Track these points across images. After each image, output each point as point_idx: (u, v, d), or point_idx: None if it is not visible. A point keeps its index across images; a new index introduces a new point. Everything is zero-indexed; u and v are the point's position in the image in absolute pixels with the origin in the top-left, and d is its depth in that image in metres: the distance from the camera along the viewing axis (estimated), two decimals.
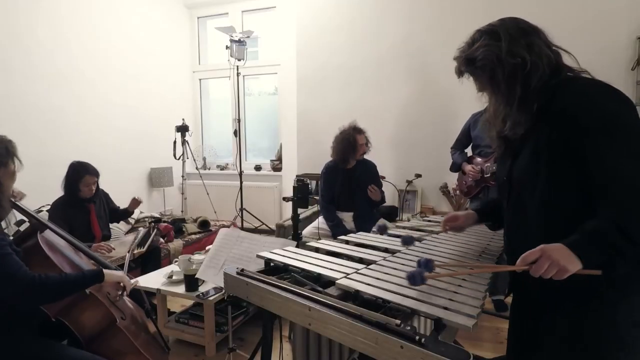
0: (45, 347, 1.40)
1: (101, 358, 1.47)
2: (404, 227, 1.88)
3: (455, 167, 2.93)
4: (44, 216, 2.85)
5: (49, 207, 2.74)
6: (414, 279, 0.99)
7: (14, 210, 1.59)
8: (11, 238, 1.52)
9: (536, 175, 1.00)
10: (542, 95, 0.98)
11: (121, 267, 1.99)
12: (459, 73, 1.11)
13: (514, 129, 1.04)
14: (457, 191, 3.08)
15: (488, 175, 2.65)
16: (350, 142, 2.93)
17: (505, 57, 0.98)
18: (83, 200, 2.74)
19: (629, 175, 0.86)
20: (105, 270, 1.50)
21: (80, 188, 2.68)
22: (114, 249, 2.67)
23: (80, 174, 2.68)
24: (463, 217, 1.37)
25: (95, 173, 2.74)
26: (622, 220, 0.84)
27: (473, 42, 1.06)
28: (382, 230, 1.68)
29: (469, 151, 2.94)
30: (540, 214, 1.00)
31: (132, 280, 1.81)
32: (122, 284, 1.58)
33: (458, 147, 2.94)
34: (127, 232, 3.57)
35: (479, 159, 2.75)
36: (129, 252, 2.41)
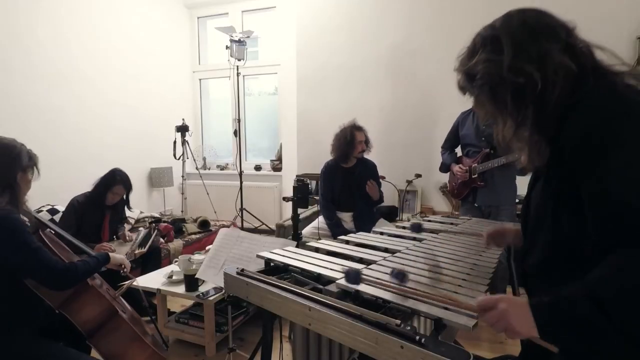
0: (44, 347, 1.41)
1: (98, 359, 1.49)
2: (403, 227, 1.88)
3: (444, 168, 2.91)
4: (43, 216, 2.86)
5: (70, 200, 2.76)
6: (349, 277, 1.04)
7: None
8: None
9: (546, 210, 0.83)
10: (554, 122, 0.78)
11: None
12: (461, 89, 0.93)
13: (531, 162, 0.86)
14: (449, 193, 3.06)
15: (475, 176, 2.63)
16: (348, 138, 2.93)
17: (508, 75, 0.78)
18: (104, 205, 2.78)
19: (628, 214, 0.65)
20: (110, 253, 1.72)
21: (107, 194, 2.73)
22: (114, 250, 2.67)
23: (114, 181, 2.73)
24: (512, 232, 1.17)
25: (126, 186, 2.79)
26: (600, 284, 0.64)
27: (473, 51, 0.87)
28: (417, 229, 1.75)
29: (459, 151, 2.92)
30: (547, 249, 0.84)
31: (129, 282, 1.83)
32: (123, 266, 1.78)
33: (447, 146, 2.91)
34: (128, 237, 3.57)
35: (467, 160, 2.73)
36: (126, 254, 2.41)
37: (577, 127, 0.73)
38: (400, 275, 1.03)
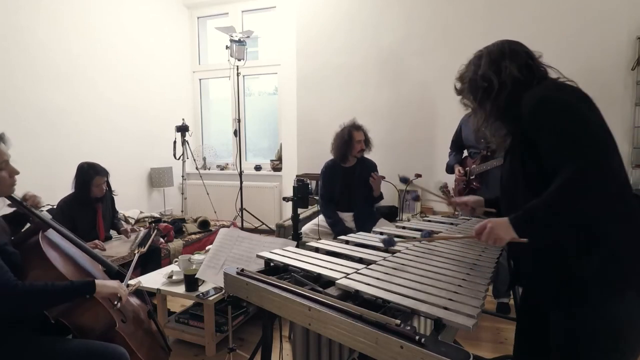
0: (45, 344, 1.39)
1: (105, 343, 1.45)
2: (403, 227, 1.88)
3: (449, 169, 2.95)
4: (44, 216, 2.85)
5: (57, 203, 2.75)
6: (385, 242, 1.31)
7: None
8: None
9: (516, 174, 1.15)
10: (513, 110, 1.12)
11: (124, 267, 1.99)
12: (455, 90, 1.30)
13: (491, 140, 1.26)
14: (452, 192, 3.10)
15: (472, 177, 2.65)
16: (345, 138, 2.93)
17: (480, 80, 1.18)
18: (92, 200, 2.76)
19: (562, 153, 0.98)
20: (98, 282, 1.42)
21: (92, 189, 2.71)
22: (104, 249, 2.66)
23: (90, 176, 2.70)
24: (472, 202, 1.53)
25: (104, 173, 2.77)
26: (548, 194, 0.97)
27: (468, 64, 1.25)
28: (389, 244, 1.42)
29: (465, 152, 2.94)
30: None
31: (134, 281, 1.81)
32: (118, 295, 1.50)
33: (453, 148, 2.95)
34: (131, 231, 3.57)
35: (470, 161, 2.76)
36: (135, 252, 2.39)
37: (524, 103, 1.08)
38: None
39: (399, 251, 1.42)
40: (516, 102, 1.10)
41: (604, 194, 0.93)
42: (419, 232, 1.73)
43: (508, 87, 1.13)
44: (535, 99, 1.06)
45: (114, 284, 1.50)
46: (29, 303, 1.30)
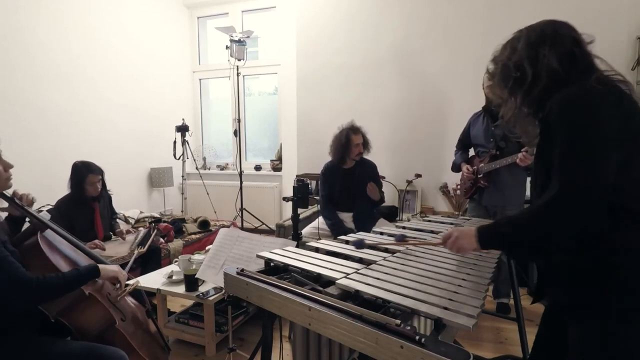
0: (48, 343, 1.39)
1: (105, 345, 1.45)
2: (403, 227, 1.88)
3: (455, 168, 2.93)
4: (44, 216, 2.85)
5: (54, 204, 2.75)
6: (355, 244, 1.39)
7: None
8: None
9: (536, 175, 1.08)
10: (543, 106, 1.02)
11: (123, 266, 1.99)
12: (488, 74, 1.22)
13: (521, 136, 1.18)
14: (458, 191, 3.09)
15: (480, 176, 2.65)
16: (343, 141, 2.92)
17: (512, 68, 1.07)
18: (88, 199, 2.76)
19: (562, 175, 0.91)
20: (100, 266, 1.53)
21: (85, 187, 2.70)
22: (104, 248, 2.66)
23: (83, 174, 2.69)
24: None
25: (98, 171, 2.76)
26: (522, 217, 0.97)
27: (504, 46, 1.13)
28: (359, 246, 1.43)
29: (472, 151, 2.93)
30: None
31: (133, 281, 1.81)
32: (117, 278, 1.60)
33: (460, 147, 2.93)
34: (127, 232, 3.57)
35: (477, 160, 2.75)
36: (134, 251, 2.40)
37: (550, 105, 0.99)
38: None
39: (399, 251, 1.42)
40: (548, 100, 1.00)
41: (590, 219, 0.87)
42: (420, 232, 1.74)
43: (543, 80, 1.02)
44: (558, 105, 0.96)
45: (114, 267, 1.61)
46: (44, 295, 1.35)
